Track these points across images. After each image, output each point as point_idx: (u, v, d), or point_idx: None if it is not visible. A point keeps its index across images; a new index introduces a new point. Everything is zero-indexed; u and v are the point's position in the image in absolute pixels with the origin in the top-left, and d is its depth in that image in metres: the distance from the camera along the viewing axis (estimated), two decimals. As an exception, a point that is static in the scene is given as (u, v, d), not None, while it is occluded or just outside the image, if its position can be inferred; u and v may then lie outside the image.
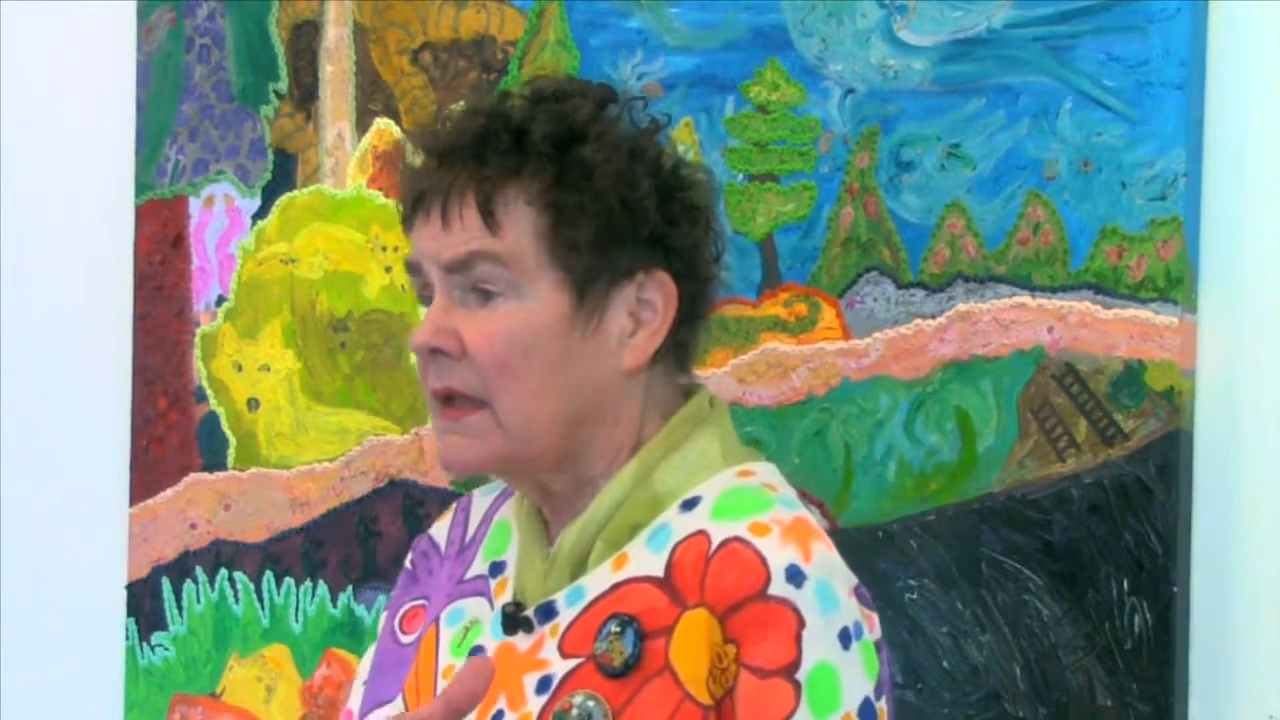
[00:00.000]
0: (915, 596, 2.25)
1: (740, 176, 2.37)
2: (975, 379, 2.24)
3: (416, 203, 1.78)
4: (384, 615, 1.95)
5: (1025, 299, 2.21)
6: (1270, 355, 2.13)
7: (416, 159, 1.80)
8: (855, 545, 2.25)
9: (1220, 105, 2.14)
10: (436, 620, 1.86)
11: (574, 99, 1.78)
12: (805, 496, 2.29)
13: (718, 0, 2.38)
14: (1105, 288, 2.17)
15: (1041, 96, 2.20)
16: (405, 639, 1.90)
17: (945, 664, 2.24)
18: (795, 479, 2.30)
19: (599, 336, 1.76)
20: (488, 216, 1.74)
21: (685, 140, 2.40)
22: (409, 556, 1.96)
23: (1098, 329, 2.17)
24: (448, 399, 1.76)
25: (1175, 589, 2.13)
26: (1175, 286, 2.14)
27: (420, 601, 1.91)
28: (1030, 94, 2.21)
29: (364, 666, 1.95)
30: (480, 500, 1.93)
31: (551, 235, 1.74)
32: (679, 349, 1.81)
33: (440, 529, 1.95)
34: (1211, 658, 2.14)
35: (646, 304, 1.77)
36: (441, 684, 1.81)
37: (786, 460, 2.31)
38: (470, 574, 1.87)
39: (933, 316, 2.26)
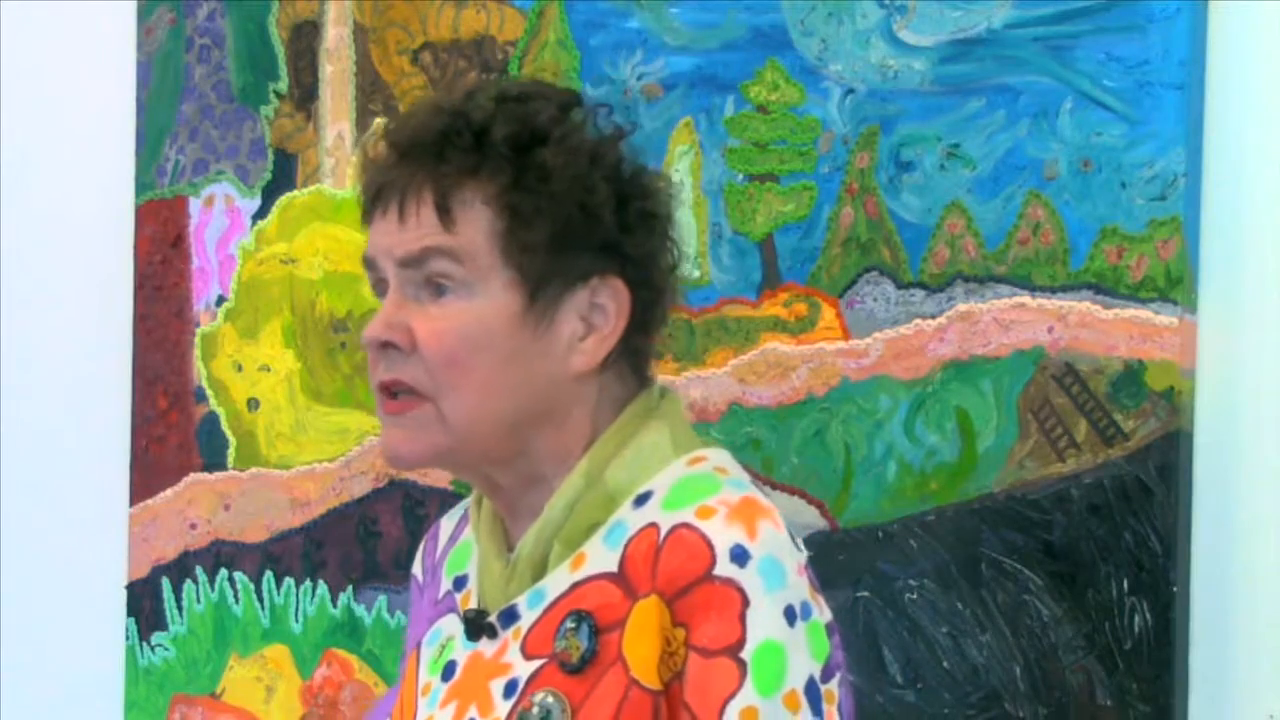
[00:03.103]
0: (915, 596, 2.25)
1: (740, 176, 2.37)
2: (975, 379, 2.24)
3: (375, 197, 1.79)
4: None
5: (1025, 299, 2.21)
6: (1270, 355, 2.13)
7: (377, 151, 1.80)
8: (855, 545, 2.25)
9: (1220, 105, 2.14)
10: (418, 644, 1.88)
11: (537, 101, 1.78)
12: (805, 497, 2.30)
13: (718, 0, 2.38)
14: (1105, 288, 2.17)
15: (1041, 96, 2.20)
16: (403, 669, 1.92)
17: (945, 664, 2.24)
18: (795, 479, 2.31)
19: (549, 338, 1.76)
20: (443, 214, 1.74)
21: (685, 140, 2.40)
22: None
23: (1098, 329, 2.17)
24: (392, 393, 1.77)
25: (1175, 589, 2.13)
26: (1175, 286, 2.14)
27: (412, 632, 1.93)
28: (1030, 94, 2.21)
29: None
30: (446, 525, 1.95)
31: (506, 236, 1.74)
32: (633, 355, 1.82)
33: (416, 564, 1.98)
34: (1211, 658, 2.14)
35: (599, 309, 1.77)
36: (420, 702, 1.82)
37: (786, 460, 2.31)
38: (441, 594, 1.89)
39: (933, 316, 2.26)
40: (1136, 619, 2.14)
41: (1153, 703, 2.13)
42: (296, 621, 2.68)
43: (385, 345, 1.76)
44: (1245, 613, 2.13)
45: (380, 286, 1.79)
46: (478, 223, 1.75)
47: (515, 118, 1.76)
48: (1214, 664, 2.13)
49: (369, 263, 1.80)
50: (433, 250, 1.74)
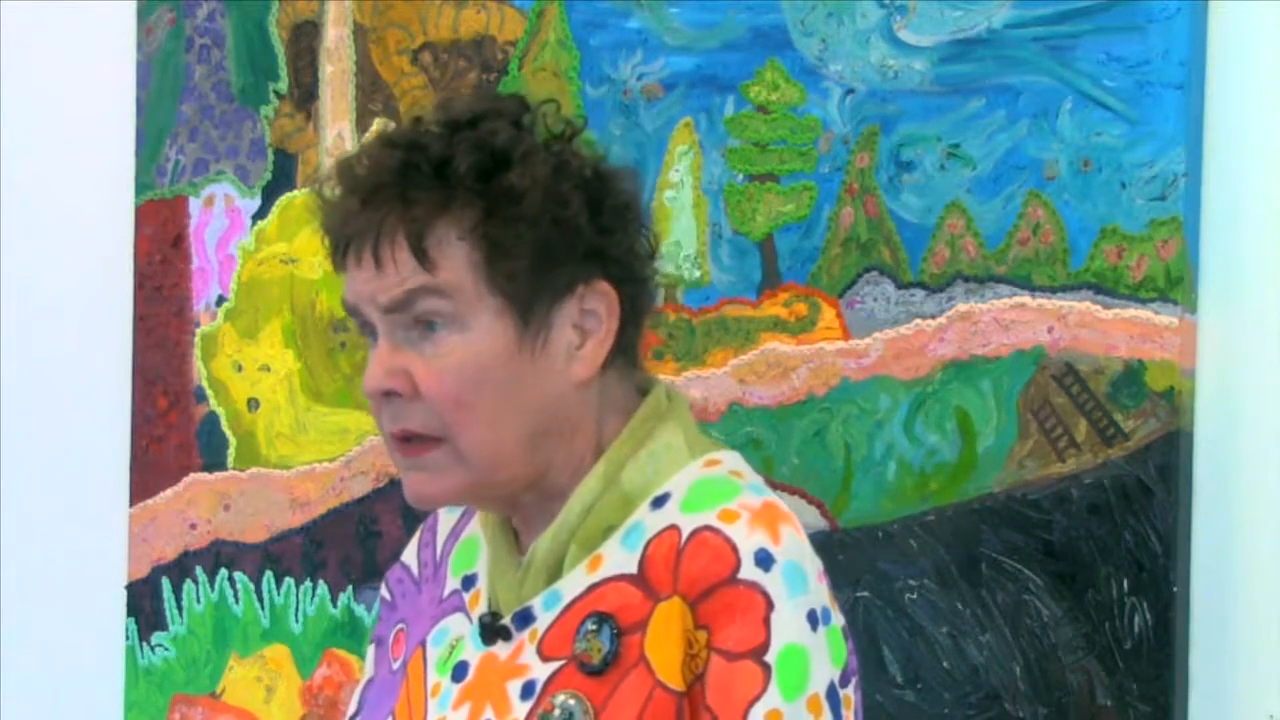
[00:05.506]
0: (915, 596, 2.25)
1: (740, 176, 2.37)
2: (975, 379, 2.24)
3: (346, 247, 1.76)
4: (371, 650, 1.95)
5: (1025, 299, 2.21)
6: (1270, 355, 2.13)
7: (334, 193, 1.77)
8: (855, 545, 2.25)
9: (1220, 105, 2.14)
10: (423, 642, 1.87)
11: (490, 120, 1.76)
12: (805, 497, 2.30)
13: (718, 0, 2.38)
14: (1105, 288, 2.17)
15: (1041, 96, 2.20)
16: (395, 664, 1.90)
17: (945, 664, 2.24)
18: (795, 479, 2.31)
19: (547, 355, 1.75)
20: (421, 255, 1.72)
21: (685, 140, 2.40)
22: (383, 589, 1.96)
23: (1098, 329, 2.17)
24: (405, 439, 1.76)
25: (1175, 589, 2.13)
26: (1175, 286, 2.14)
27: (400, 625, 1.92)
28: (1030, 94, 2.21)
29: (352, 705, 1.96)
30: (446, 518, 1.94)
31: (487, 266, 1.72)
32: (629, 349, 1.81)
33: (410, 554, 1.96)
34: (1211, 658, 2.14)
35: (590, 314, 1.76)
36: (430, 703, 1.81)
37: (786, 460, 2.31)
38: (446, 592, 1.88)
39: (933, 316, 2.26)
40: (1136, 619, 2.14)
41: (1153, 703, 2.13)
42: (296, 621, 2.68)
43: (388, 394, 1.75)
44: (1245, 613, 2.13)
45: (367, 329, 1.77)
46: (456, 258, 1.73)
47: (474, 145, 1.73)
48: (1214, 664, 2.13)
49: (351, 310, 1.77)
50: (418, 291, 1.72)
